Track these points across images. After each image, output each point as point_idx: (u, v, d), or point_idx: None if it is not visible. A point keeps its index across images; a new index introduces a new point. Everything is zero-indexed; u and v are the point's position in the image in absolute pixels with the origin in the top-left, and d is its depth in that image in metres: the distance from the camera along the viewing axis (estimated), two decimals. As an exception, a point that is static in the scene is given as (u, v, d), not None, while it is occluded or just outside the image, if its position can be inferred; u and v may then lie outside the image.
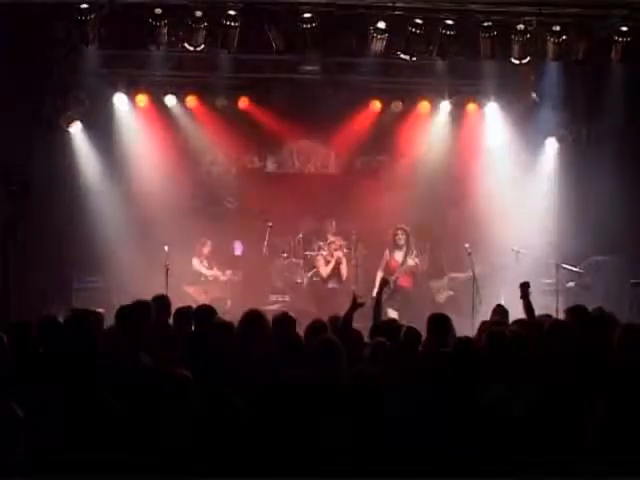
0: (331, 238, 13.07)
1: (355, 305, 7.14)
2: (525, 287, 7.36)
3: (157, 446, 4.50)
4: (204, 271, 12.85)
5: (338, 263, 12.77)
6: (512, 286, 12.20)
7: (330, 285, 12.78)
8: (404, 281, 12.26)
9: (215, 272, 12.90)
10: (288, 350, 5.66)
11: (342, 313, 7.13)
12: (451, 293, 12.97)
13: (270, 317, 6.59)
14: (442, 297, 12.96)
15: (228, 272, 12.90)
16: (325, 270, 12.81)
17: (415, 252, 12.33)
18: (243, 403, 4.75)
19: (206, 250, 12.90)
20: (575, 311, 6.89)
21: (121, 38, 11.28)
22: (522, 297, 7.33)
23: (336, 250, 12.87)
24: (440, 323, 6.43)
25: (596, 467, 4.51)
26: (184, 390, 4.72)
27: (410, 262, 12.22)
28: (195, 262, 12.81)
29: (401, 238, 12.26)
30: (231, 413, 4.67)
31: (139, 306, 6.69)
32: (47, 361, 5.65)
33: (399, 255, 12.29)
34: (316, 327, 6.39)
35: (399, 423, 4.70)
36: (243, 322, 6.28)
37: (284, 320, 6.55)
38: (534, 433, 4.67)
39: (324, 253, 12.96)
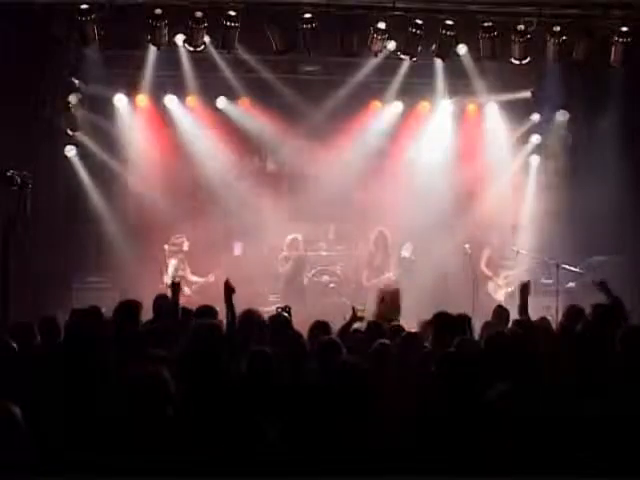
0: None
1: (354, 319, 7.18)
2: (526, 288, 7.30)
3: (158, 447, 4.50)
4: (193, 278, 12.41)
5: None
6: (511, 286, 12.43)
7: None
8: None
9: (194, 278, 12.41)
10: (290, 350, 5.67)
11: (342, 313, 7.16)
12: (510, 290, 12.42)
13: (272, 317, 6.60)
14: (501, 295, 12.56)
15: (211, 276, 12.14)
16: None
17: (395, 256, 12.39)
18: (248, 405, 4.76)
19: (185, 248, 12.32)
20: (574, 311, 6.92)
21: (121, 38, 11.28)
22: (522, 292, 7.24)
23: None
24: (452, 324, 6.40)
25: (596, 467, 4.52)
26: (183, 390, 4.72)
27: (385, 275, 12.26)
28: (173, 263, 12.23)
29: (374, 239, 12.41)
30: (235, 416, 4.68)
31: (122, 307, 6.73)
32: (47, 361, 5.66)
33: (378, 258, 12.42)
34: (319, 328, 6.40)
35: (400, 423, 4.71)
36: (239, 322, 6.29)
37: (282, 320, 6.56)
38: (535, 432, 4.67)
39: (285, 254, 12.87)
